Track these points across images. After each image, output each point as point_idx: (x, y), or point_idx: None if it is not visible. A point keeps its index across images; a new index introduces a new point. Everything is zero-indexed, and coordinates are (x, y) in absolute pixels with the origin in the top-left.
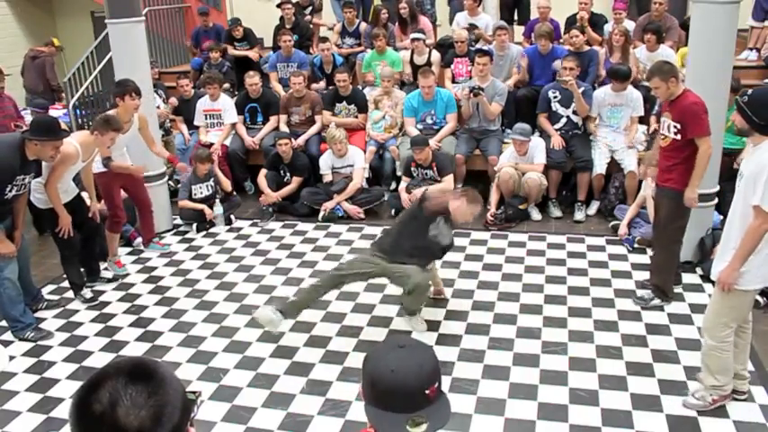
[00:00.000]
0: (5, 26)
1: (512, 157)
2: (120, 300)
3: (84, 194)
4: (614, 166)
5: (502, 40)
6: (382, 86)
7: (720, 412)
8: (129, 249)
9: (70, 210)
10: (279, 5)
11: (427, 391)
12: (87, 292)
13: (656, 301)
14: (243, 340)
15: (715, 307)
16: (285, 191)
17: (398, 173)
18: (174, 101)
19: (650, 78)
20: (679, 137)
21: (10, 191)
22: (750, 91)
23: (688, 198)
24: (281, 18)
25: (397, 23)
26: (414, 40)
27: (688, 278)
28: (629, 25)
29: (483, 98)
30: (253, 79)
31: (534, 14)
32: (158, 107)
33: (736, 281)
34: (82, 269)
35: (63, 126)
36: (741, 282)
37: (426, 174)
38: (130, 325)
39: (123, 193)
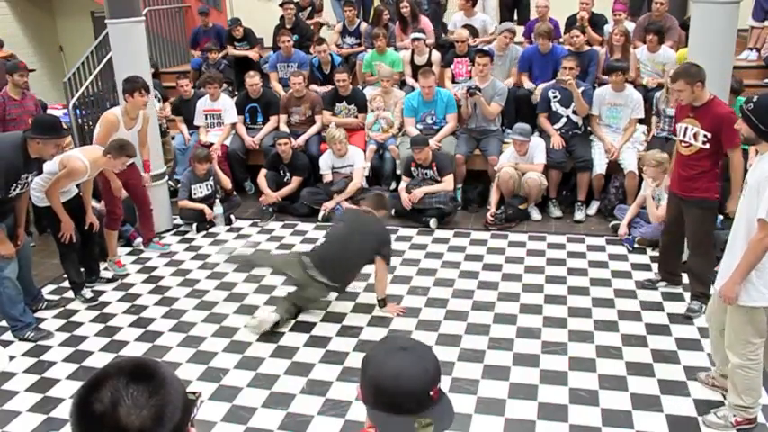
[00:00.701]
0: (5, 26)
1: (512, 156)
2: (120, 300)
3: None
4: (614, 166)
5: (506, 43)
6: (381, 86)
7: None
8: (129, 249)
9: (68, 208)
10: (281, 5)
11: (431, 393)
12: (87, 292)
13: (705, 307)
14: (243, 340)
15: (732, 324)
16: (285, 191)
17: (398, 171)
18: (166, 108)
19: (676, 80)
20: (708, 146)
21: (14, 189)
22: (755, 98)
23: (732, 210)
24: (282, 18)
25: (397, 23)
26: (414, 39)
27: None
28: (629, 26)
29: (480, 98)
30: (253, 79)
31: (534, 14)
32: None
33: (738, 294)
34: (81, 269)
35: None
36: (749, 298)
37: (426, 174)
38: (130, 325)
39: (123, 192)
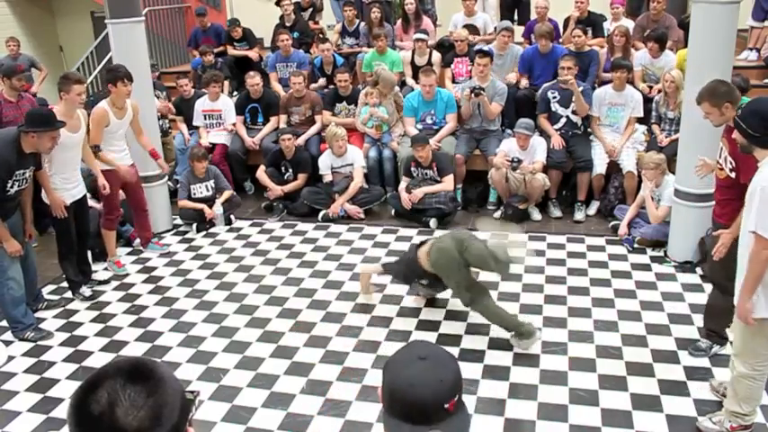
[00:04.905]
0: (5, 26)
1: (512, 149)
2: (120, 300)
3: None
4: (614, 166)
5: (505, 42)
6: (378, 90)
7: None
8: (128, 249)
9: (73, 211)
10: (277, 3)
11: (446, 405)
12: (86, 290)
13: (717, 348)
14: (243, 340)
15: (742, 334)
16: (291, 186)
17: (399, 163)
18: (170, 107)
19: (700, 102)
20: (734, 175)
21: (11, 186)
22: (744, 104)
23: (719, 249)
24: (282, 17)
25: (400, 21)
26: (417, 40)
27: (688, 278)
28: (627, 23)
29: (484, 98)
30: (254, 79)
31: (534, 14)
32: (158, 98)
33: (752, 312)
34: None
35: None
36: (759, 310)
37: (426, 174)
38: (130, 325)
39: (121, 193)
